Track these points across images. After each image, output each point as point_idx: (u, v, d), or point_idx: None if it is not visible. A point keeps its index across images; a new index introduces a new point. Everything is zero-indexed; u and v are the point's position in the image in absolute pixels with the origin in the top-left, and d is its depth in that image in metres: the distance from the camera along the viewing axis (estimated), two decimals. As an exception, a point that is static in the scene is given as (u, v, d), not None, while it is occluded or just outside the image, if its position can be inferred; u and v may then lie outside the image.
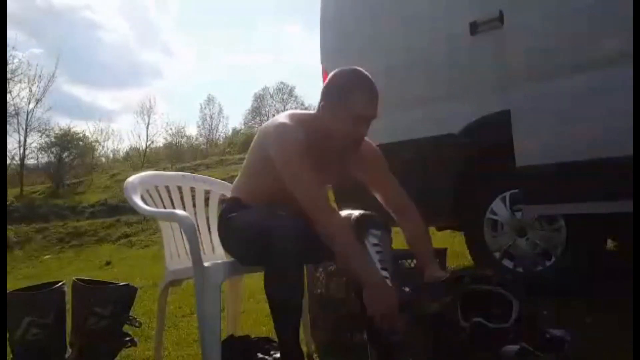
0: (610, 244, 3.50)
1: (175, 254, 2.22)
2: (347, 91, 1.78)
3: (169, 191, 2.30)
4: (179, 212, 2.05)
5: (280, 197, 1.77)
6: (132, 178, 2.20)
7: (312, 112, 1.89)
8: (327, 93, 1.82)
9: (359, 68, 1.82)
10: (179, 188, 2.34)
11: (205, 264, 1.91)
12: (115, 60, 37.15)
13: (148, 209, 2.10)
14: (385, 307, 1.63)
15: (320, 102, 1.83)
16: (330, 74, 1.85)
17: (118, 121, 47.91)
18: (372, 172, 1.98)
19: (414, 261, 2.33)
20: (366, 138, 1.90)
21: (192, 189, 2.36)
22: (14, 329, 2.06)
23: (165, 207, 2.25)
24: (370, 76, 1.81)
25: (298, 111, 1.93)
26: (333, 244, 1.70)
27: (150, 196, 2.21)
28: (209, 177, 2.48)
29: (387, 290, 1.66)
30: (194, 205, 2.33)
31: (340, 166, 1.93)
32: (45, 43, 35.52)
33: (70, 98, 34.99)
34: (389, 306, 1.63)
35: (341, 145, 1.83)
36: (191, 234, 1.92)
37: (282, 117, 1.87)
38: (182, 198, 2.33)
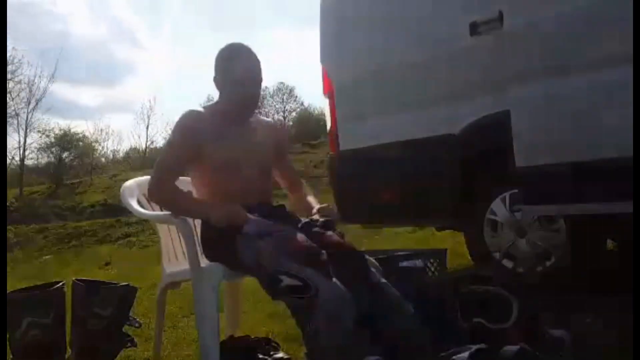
0: (610, 244, 3.50)
1: (173, 256, 2.23)
2: (221, 62, 2.02)
3: None
4: None
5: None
6: (129, 182, 2.22)
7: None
8: (215, 71, 2.04)
9: (237, 42, 2.04)
10: None
11: (203, 265, 1.91)
12: (91, 56, 36.02)
13: (145, 212, 2.11)
14: (227, 214, 1.82)
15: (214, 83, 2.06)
16: None
17: (102, 119, 47.41)
18: (276, 150, 2.16)
19: (417, 262, 2.33)
20: (271, 120, 2.25)
21: (190, 192, 2.36)
22: (14, 329, 2.06)
23: (162, 211, 2.25)
24: (245, 46, 2.03)
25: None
26: (168, 205, 1.97)
27: (148, 200, 2.22)
28: None
29: (223, 206, 1.85)
30: None
31: (255, 137, 2.08)
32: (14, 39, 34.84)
33: (49, 95, 34.22)
34: (231, 212, 1.82)
35: (237, 111, 2.03)
36: (188, 235, 1.92)
37: None
38: None
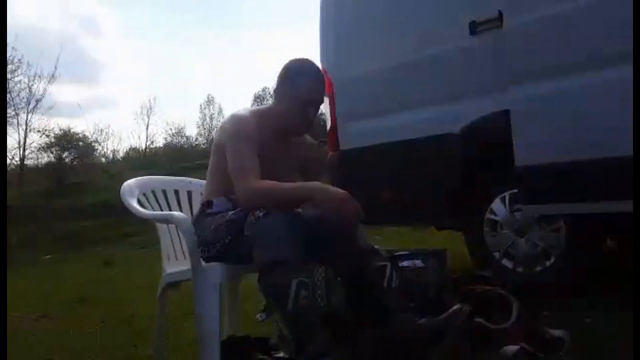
0: (610, 243, 3.50)
1: (173, 256, 2.22)
2: (291, 78, 1.94)
3: (165, 195, 2.30)
4: (177, 214, 2.06)
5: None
6: (129, 182, 2.21)
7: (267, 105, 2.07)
8: (277, 83, 1.98)
9: (305, 58, 1.99)
10: (176, 192, 2.35)
11: (204, 265, 1.91)
12: (66, 53, 34.64)
13: (145, 212, 2.11)
14: (337, 200, 1.76)
15: (273, 93, 2.02)
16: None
17: (86, 118, 47.04)
18: (308, 168, 2.12)
19: (417, 262, 2.33)
20: (311, 141, 2.13)
21: (189, 193, 2.36)
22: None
23: (162, 210, 2.25)
24: (315, 64, 1.98)
25: (253, 108, 2.11)
26: (269, 200, 1.78)
27: (147, 199, 2.22)
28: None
29: (332, 189, 1.79)
30: (191, 207, 2.33)
31: (292, 156, 2.05)
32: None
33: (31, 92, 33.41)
34: (341, 198, 1.76)
35: (295, 129, 1.99)
36: (189, 235, 1.92)
37: (237, 112, 2.02)
38: (179, 201, 2.33)
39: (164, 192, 2.31)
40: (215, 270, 1.90)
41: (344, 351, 1.74)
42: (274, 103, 2.01)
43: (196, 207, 2.31)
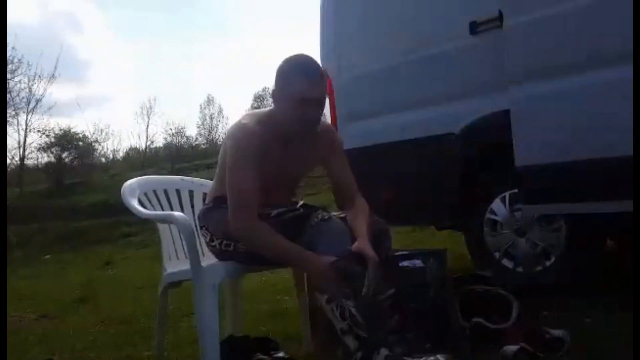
0: (610, 243, 3.50)
1: (174, 256, 2.23)
2: (286, 77, 1.82)
3: (167, 194, 2.30)
4: (177, 214, 2.05)
5: None
6: (130, 182, 2.21)
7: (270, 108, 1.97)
8: (274, 84, 1.88)
9: (302, 54, 1.86)
10: (178, 191, 2.34)
11: (203, 265, 1.91)
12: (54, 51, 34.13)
13: (145, 212, 2.12)
14: (316, 276, 1.77)
15: (272, 96, 1.91)
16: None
17: (84, 117, 46.68)
18: (327, 156, 2.01)
19: (417, 262, 2.33)
20: (326, 122, 2.02)
21: (191, 192, 2.36)
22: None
23: (163, 210, 2.25)
24: (312, 59, 1.85)
25: (259, 110, 2.01)
26: (254, 246, 1.80)
27: (149, 199, 2.22)
28: (208, 181, 2.45)
29: (312, 265, 1.76)
30: (192, 206, 2.33)
31: (304, 152, 1.94)
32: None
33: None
34: (320, 273, 1.74)
35: (296, 131, 1.86)
36: (189, 235, 1.92)
37: (242, 118, 1.94)
38: (180, 201, 2.33)
39: (165, 191, 2.31)
40: (214, 270, 1.90)
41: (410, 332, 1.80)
42: (274, 107, 1.90)
43: (198, 207, 2.30)
